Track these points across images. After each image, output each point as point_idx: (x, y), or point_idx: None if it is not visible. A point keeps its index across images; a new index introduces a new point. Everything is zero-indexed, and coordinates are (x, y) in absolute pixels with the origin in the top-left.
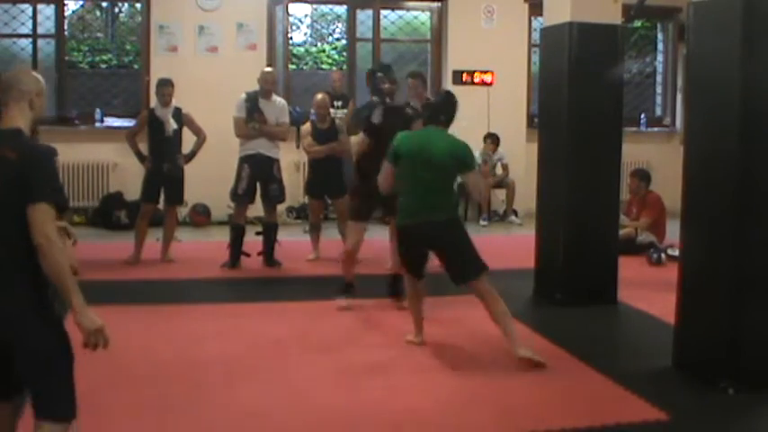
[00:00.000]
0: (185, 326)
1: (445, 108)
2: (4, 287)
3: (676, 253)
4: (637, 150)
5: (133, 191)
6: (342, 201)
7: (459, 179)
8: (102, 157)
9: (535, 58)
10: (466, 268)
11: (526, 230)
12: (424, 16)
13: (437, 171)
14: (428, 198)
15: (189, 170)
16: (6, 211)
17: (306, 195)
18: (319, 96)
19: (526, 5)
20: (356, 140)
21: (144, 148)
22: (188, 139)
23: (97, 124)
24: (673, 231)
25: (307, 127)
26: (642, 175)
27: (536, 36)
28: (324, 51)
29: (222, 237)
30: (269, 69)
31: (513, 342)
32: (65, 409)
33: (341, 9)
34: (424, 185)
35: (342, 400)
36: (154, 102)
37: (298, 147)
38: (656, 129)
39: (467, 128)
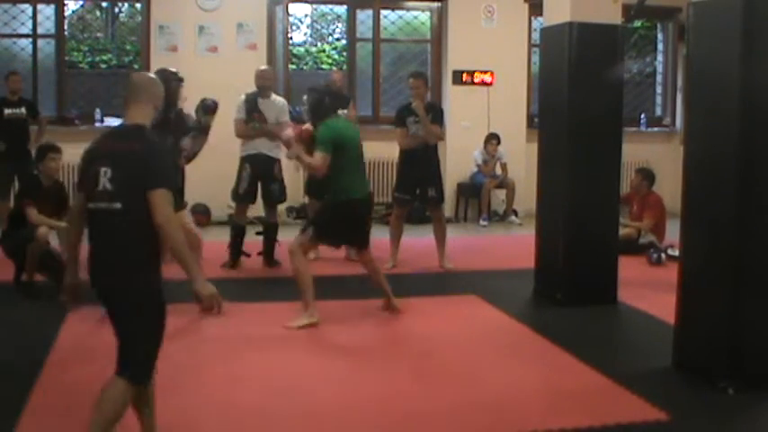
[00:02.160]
0: (185, 326)
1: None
2: (126, 252)
3: (676, 253)
4: (637, 150)
5: None
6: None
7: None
8: None
9: (535, 58)
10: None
11: (526, 230)
12: (424, 16)
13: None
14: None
15: (189, 170)
16: (138, 193)
17: (306, 195)
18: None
19: (526, 5)
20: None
21: None
22: None
23: (97, 124)
24: (673, 231)
25: (308, 127)
26: (646, 174)
27: (536, 36)
28: (324, 51)
29: (222, 237)
30: (264, 67)
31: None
32: (134, 371)
33: (341, 9)
34: (361, 164)
35: (341, 401)
36: None
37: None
38: (656, 129)
39: (467, 128)
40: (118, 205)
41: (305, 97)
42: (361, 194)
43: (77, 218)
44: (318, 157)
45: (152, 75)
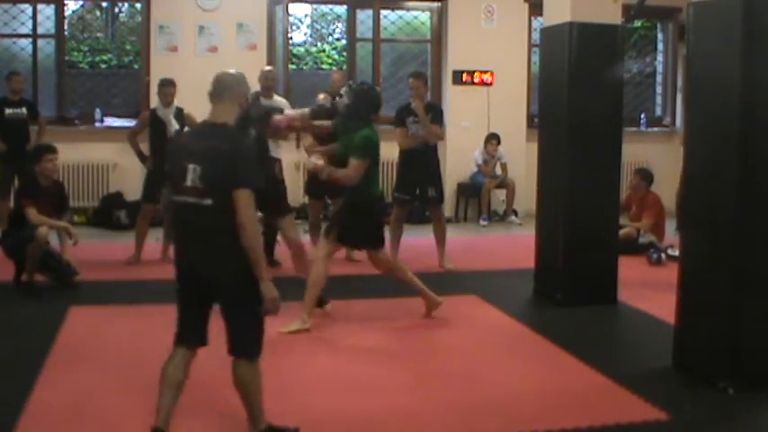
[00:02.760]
0: None
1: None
2: (225, 245)
3: (676, 253)
4: (637, 150)
5: (133, 191)
6: (341, 200)
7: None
8: (102, 157)
9: (535, 58)
10: None
11: (526, 230)
12: (424, 16)
13: None
14: None
15: None
16: (226, 191)
17: (306, 195)
18: (321, 97)
19: (526, 5)
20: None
21: (145, 147)
22: None
23: (97, 124)
24: (673, 231)
25: (322, 123)
26: (644, 175)
27: (536, 36)
28: (324, 51)
29: None
30: (269, 68)
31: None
32: (252, 349)
33: (341, 9)
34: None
35: (341, 402)
36: (154, 102)
37: (298, 147)
38: (656, 129)
39: (467, 128)
40: (208, 201)
41: (344, 89)
42: (382, 194)
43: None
44: (356, 166)
45: (237, 73)
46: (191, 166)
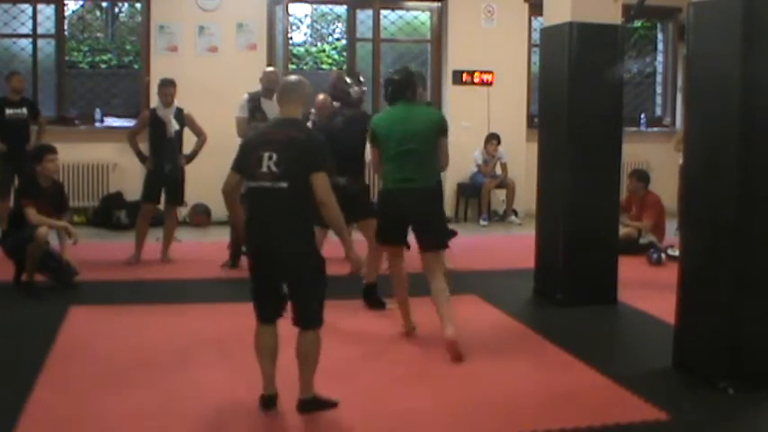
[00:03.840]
0: (185, 326)
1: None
2: (297, 224)
3: (676, 253)
4: (637, 150)
5: (133, 191)
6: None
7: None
8: (102, 157)
9: (535, 58)
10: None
11: (526, 230)
12: (424, 16)
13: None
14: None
15: (189, 170)
16: (301, 174)
17: None
18: (321, 97)
19: (526, 5)
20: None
21: (145, 148)
22: (189, 140)
23: (97, 124)
24: (673, 231)
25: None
26: (641, 176)
27: (536, 36)
28: (324, 51)
29: (222, 237)
30: (271, 69)
31: (444, 322)
32: (317, 320)
33: (341, 9)
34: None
35: (341, 401)
36: (154, 102)
37: None
38: (656, 129)
39: (467, 128)
40: (284, 185)
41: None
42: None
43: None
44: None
45: (299, 78)
46: (266, 154)
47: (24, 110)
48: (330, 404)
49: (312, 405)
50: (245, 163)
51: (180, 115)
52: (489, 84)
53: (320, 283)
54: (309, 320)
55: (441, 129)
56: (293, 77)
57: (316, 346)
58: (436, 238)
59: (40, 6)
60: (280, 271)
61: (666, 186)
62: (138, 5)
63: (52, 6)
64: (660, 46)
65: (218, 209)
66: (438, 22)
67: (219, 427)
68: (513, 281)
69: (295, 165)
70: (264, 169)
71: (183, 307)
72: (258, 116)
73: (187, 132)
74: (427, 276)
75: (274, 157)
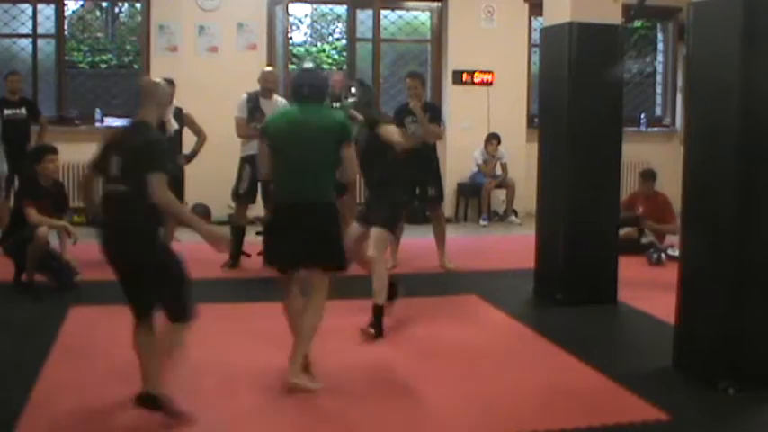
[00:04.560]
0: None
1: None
2: (135, 225)
3: (676, 253)
4: (637, 150)
5: None
6: (341, 200)
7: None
8: None
9: (535, 58)
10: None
11: (526, 230)
12: (424, 16)
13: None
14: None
15: (189, 170)
16: (140, 177)
17: None
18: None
19: (526, 5)
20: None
21: None
22: (188, 140)
23: (97, 124)
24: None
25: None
26: (653, 176)
27: (536, 36)
28: (324, 51)
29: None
30: (269, 69)
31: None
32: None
33: (341, 9)
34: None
35: (340, 402)
36: None
37: None
38: (656, 129)
39: (466, 128)
40: (125, 188)
41: (353, 90)
42: None
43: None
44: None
45: (154, 81)
46: (114, 158)
47: (23, 110)
48: (172, 411)
49: (153, 403)
50: (101, 164)
51: (179, 115)
52: (489, 84)
53: (173, 279)
54: (174, 314)
55: (340, 136)
56: (148, 80)
57: (172, 341)
58: (328, 256)
59: (40, 6)
60: (132, 270)
61: (667, 186)
62: (138, 5)
63: (52, 6)
64: (660, 46)
65: (218, 209)
66: (438, 22)
67: (220, 426)
68: (513, 281)
69: (135, 168)
70: (112, 173)
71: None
72: (257, 116)
73: (187, 132)
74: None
75: (119, 161)
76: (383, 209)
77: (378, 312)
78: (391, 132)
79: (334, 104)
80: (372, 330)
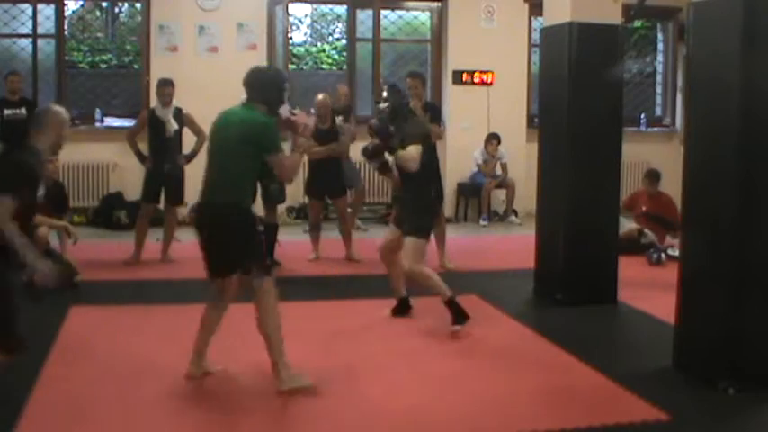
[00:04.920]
0: (185, 326)
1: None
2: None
3: (676, 253)
4: (637, 150)
5: (133, 191)
6: (342, 200)
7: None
8: (102, 157)
9: (535, 58)
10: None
11: (526, 230)
12: (424, 16)
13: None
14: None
15: (189, 170)
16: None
17: (305, 196)
18: (320, 96)
19: (526, 5)
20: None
21: (144, 148)
22: (188, 140)
23: (97, 124)
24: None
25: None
26: (658, 176)
27: (536, 36)
28: (324, 51)
29: None
30: None
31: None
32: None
33: (341, 9)
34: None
35: (340, 401)
36: (154, 102)
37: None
38: (656, 129)
39: (466, 129)
40: None
41: (385, 94)
42: None
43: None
44: (415, 151)
45: (46, 109)
46: None
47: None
48: None
49: None
50: None
51: (179, 115)
52: (489, 84)
53: None
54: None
55: (257, 144)
56: (53, 110)
57: None
58: (238, 261)
59: (40, 6)
60: None
61: (667, 186)
62: (138, 5)
63: (52, 6)
64: (660, 46)
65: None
66: (438, 22)
67: (220, 426)
68: (513, 281)
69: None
70: None
71: (182, 307)
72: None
73: (187, 132)
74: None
75: None
76: (414, 215)
77: (452, 305)
78: (407, 159)
79: (338, 117)
80: (458, 327)
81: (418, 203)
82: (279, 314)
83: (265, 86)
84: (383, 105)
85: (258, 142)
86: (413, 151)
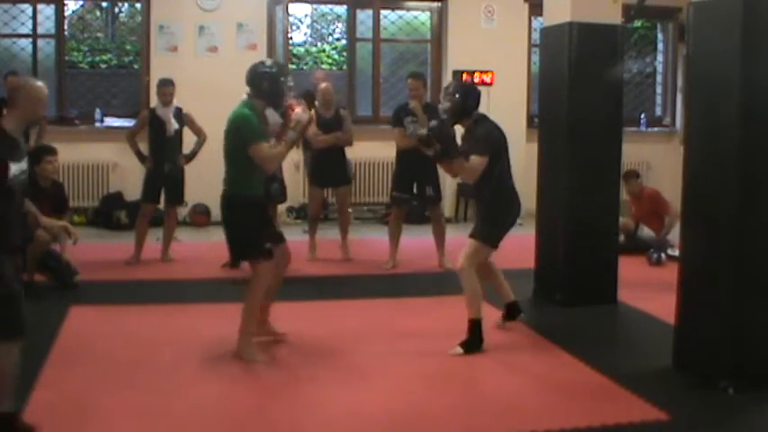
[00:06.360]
0: (185, 326)
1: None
2: None
3: (676, 253)
4: (637, 150)
5: (133, 191)
6: (344, 189)
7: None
8: (102, 157)
9: (535, 58)
10: None
11: (526, 230)
12: (424, 16)
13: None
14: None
15: (189, 170)
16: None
17: (309, 184)
18: (324, 85)
19: (526, 5)
20: None
21: (144, 148)
22: (188, 140)
23: (97, 124)
24: (673, 231)
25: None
26: (636, 174)
27: (536, 36)
28: (324, 51)
29: (222, 237)
30: None
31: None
32: None
33: (341, 9)
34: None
35: (341, 402)
36: (154, 102)
37: (297, 146)
38: (656, 129)
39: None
40: None
41: (449, 88)
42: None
43: None
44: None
45: (20, 82)
46: None
47: None
48: None
49: None
50: None
51: (179, 115)
52: (489, 84)
53: None
54: None
55: (237, 138)
56: (15, 81)
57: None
58: (231, 245)
59: (40, 6)
60: None
61: (667, 186)
62: (138, 5)
63: (52, 6)
64: (660, 46)
65: (218, 209)
66: (438, 22)
67: (220, 426)
68: (513, 281)
69: None
70: None
71: (183, 307)
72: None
73: (187, 132)
74: None
75: None
76: (485, 224)
77: (474, 327)
78: (469, 172)
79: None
80: (461, 351)
81: (490, 214)
82: (260, 297)
83: (257, 80)
84: (446, 105)
85: (238, 135)
86: (475, 164)
